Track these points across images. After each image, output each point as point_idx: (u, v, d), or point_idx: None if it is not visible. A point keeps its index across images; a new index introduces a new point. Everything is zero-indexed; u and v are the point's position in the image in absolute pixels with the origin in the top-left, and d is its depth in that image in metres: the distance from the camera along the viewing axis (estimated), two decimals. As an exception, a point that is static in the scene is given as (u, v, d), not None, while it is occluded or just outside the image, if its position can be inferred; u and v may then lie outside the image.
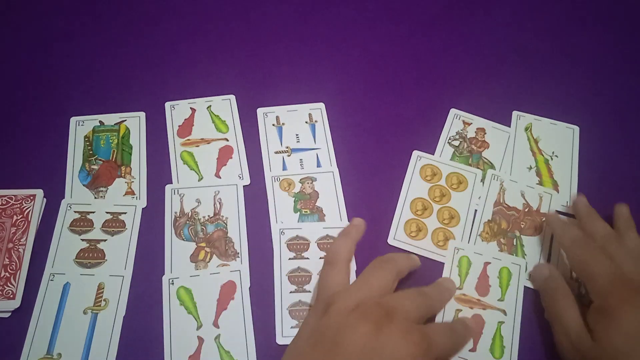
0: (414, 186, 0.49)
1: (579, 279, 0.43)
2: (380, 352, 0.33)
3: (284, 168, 0.50)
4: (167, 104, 0.54)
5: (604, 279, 0.38)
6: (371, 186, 0.50)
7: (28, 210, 0.47)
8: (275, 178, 0.50)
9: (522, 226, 0.48)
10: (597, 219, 0.44)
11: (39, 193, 0.48)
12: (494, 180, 0.50)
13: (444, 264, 0.46)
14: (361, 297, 0.36)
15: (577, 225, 0.45)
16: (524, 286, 0.45)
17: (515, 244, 0.47)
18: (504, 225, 0.48)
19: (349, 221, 0.47)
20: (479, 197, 0.49)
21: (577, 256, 0.41)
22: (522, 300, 0.44)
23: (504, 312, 0.43)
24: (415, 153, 0.51)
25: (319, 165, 0.51)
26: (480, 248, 0.46)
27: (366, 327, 0.34)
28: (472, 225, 0.48)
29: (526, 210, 0.49)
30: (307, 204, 0.48)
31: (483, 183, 0.50)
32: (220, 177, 0.50)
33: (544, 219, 0.48)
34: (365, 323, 0.34)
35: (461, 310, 0.43)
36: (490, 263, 0.45)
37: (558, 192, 0.50)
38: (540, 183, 0.50)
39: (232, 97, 0.54)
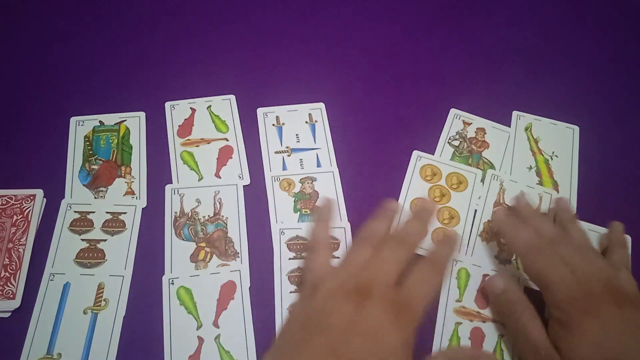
0: (414, 186, 0.49)
1: (538, 288, 0.41)
2: (363, 328, 0.34)
3: (284, 168, 0.50)
4: (167, 104, 0.54)
5: (562, 290, 0.37)
6: (371, 186, 0.50)
7: (28, 210, 0.47)
8: (275, 178, 0.50)
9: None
10: (541, 219, 0.44)
11: (39, 193, 0.48)
12: (494, 180, 0.50)
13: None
14: (344, 277, 0.37)
15: (524, 225, 0.43)
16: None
17: None
18: None
19: (349, 221, 0.47)
20: (479, 197, 0.49)
21: (533, 264, 0.40)
22: None
23: (504, 326, 0.43)
24: (415, 153, 0.51)
25: (319, 165, 0.51)
26: (478, 260, 0.46)
27: (347, 306, 0.34)
28: (472, 226, 0.48)
29: None
30: (307, 204, 0.48)
31: (483, 183, 0.50)
32: (220, 177, 0.50)
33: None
34: (347, 303, 0.35)
35: (461, 323, 0.43)
36: (488, 275, 0.45)
37: (558, 192, 0.50)
38: (540, 183, 0.50)
39: (232, 97, 0.54)
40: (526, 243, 0.41)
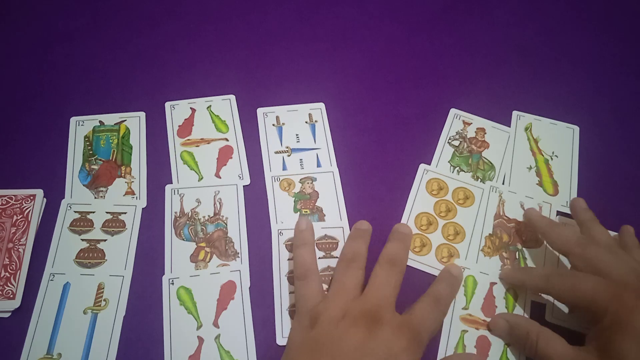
0: (419, 200, 0.49)
1: (574, 306, 0.40)
2: (376, 353, 0.35)
3: (284, 168, 0.50)
4: (167, 104, 0.54)
5: (603, 297, 0.37)
6: (371, 186, 0.50)
7: (28, 210, 0.47)
8: (275, 178, 0.50)
9: (524, 238, 0.47)
10: (562, 228, 0.44)
11: (39, 193, 0.48)
12: (493, 192, 0.50)
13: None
14: (344, 303, 0.38)
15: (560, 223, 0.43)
16: (530, 307, 0.44)
17: (517, 257, 0.46)
18: (505, 239, 0.47)
19: (349, 221, 0.47)
20: (478, 210, 0.48)
21: (585, 252, 0.40)
22: None
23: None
24: (422, 167, 0.50)
25: (319, 165, 0.51)
26: (486, 267, 0.45)
27: (358, 334, 0.35)
28: (481, 235, 0.47)
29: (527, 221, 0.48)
30: (307, 204, 0.48)
31: (483, 191, 0.50)
32: (220, 177, 0.50)
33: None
34: (357, 330, 0.36)
35: (467, 331, 0.42)
36: (496, 283, 0.45)
37: (558, 193, 0.50)
38: (540, 183, 0.50)
39: (232, 97, 0.54)
40: (541, 275, 0.41)
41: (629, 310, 0.35)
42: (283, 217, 0.48)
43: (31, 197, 0.47)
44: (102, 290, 0.44)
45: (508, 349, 0.42)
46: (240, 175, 0.50)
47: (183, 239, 0.46)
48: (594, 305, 0.37)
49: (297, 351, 0.37)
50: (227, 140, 0.52)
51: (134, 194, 0.49)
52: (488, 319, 0.43)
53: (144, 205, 0.48)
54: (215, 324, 0.42)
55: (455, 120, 0.54)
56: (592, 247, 0.40)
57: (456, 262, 0.46)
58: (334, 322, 0.37)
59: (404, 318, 0.37)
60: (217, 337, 0.42)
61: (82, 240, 0.46)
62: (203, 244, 0.46)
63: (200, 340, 0.42)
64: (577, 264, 0.40)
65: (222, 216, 0.47)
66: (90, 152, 0.51)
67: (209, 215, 0.47)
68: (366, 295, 0.38)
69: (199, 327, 0.42)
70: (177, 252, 0.46)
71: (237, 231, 0.47)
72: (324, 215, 0.48)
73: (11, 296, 0.43)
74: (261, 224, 0.47)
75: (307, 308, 0.39)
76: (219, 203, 0.48)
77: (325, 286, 0.43)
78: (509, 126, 0.54)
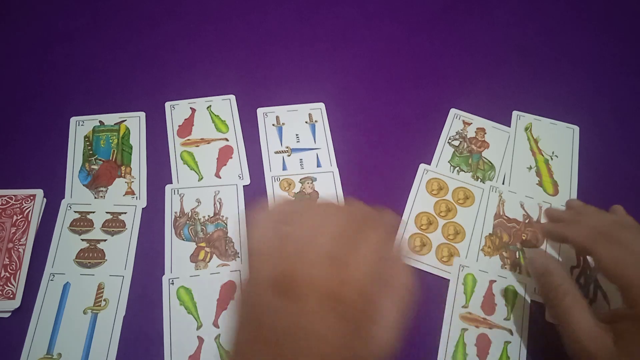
0: (419, 200, 0.49)
1: (610, 278, 0.37)
2: (303, 325, 0.30)
3: (284, 168, 0.50)
4: (167, 104, 0.54)
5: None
6: (371, 186, 0.50)
7: (28, 210, 0.47)
8: (275, 178, 0.50)
9: (524, 238, 0.47)
10: (588, 213, 0.42)
11: (39, 193, 0.48)
12: (493, 192, 0.50)
13: (447, 280, 0.45)
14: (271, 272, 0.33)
15: (576, 222, 0.41)
16: (530, 305, 0.44)
17: (517, 256, 0.46)
18: (505, 238, 0.47)
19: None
20: (478, 210, 0.49)
21: (609, 252, 0.36)
22: (528, 319, 0.43)
23: (510, 332, 0.42)
24: (422, 167, 0.50)
25: (319, 165, 0.51)
26: (485, 265, 0.46)
27: (288, 306, 0.31)
28: (481, 234, 0.47)
29: (526, 221, 0.48)
30: (307, 204, 0.48)
31: (483, 191, 0.50)
32: (220, 177, 0.50)
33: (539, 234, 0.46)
34: (282, 300, 0.31)
35: (467, 329, 0.43)
36: (495, 281, 0.45)
37: (558, 192, 0.50)
38: (540, 183, 0.50)
39: (232, 97, 0.54)
40: (589, 234, 0.38)
41: None
42: (283, 217, 0.48)
43: (31, 197, 0.47)
44: (102, 290, 0.44)
45: (508, 346, 0.42)
46: (240, 175, 0.50)
47: (183, 239, 0.46)
48: (634, 290, 0.35)
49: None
50: (227, 140, 0.52)
51: (134, 194, 0.48)
52: (488, 317, 0.43)
53: (144, 205, 0.48)
54: (215, 324, 0.42)
55: (455, 120, 0.54)
56: (622, 231, 0.38)
57: (457, 260, 0.46)
58: (263, 290, 0.32)
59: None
60: (217, 337, 0.42)
61: (82, 240, 0.46)
62: (203, 244, 0.46)
63: (200, 340, 0.42)
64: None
65: (222, 216, 0.47)
66: (90, 152, 0.51)
67: (209, 215, 0.47)
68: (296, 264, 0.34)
69: (199, 327, 0.42)
70: (177, 252, 0.46)
71: (237, 231, 0.47)
72: (324, 215, 0.48)
73: (11, 296, 0.43)
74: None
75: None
76: (219, 203, 0.48)
77: None
78: (509, 126, 0.54)
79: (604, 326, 0.36)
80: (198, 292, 0.44)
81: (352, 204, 0.34)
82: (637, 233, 0.38)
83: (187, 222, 0.47)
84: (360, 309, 0.28)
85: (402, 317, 0.30)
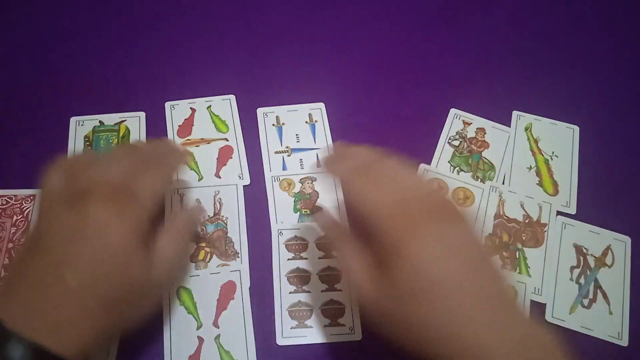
0: None
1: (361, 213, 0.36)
2: (86, 232, 0.33)
3: (284, 168, 0.50)
4: (167, 104, 0.54)
5: (382, 210, 0.34)
6: (371, 186, 0.50)
7: (28, 210, 0.47)
8: (275, 178, 0.50)
9: (524, 238, 0.47)
10: (355, 150, 0.40)
11: (39, 193, 0.48)
12: (493, 192, 0.50)
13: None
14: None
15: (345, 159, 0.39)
16: (530, 305, 0.44)
17: (517, 256, 0.46)
18: (505, 238, 0.47)
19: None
20: (478, 210, 0.49)
21: (352, 185, 0.36)
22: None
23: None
24: (422, 167, 0.50)
25: (319, 165, 0.51)
26: None
27: (68, 216, 0.34)
28: (482, 231, 0.47)
29: (526, 221, 0.48)
30: (307, 204, 0.48)
31: (483, 191, 0.50)
32: (220, 177, 0.50)
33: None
34: (66, 211, 0.34)
35: None
36: None
37: (558, 192, 0.50)
38: (540, 183, 0.50)
39: (232, 97, 0.54)
40: (345, 170, 0.37)
41: (400, 233, 0.32)
42: (283, 217, 0.48)
43: (31, 197, 0.47)
44: (102, 290, 0.43)
45: None
46: (240, 175, 0.50)
47: (183, 239, 0.46)
48: (371, 217, 0.34)
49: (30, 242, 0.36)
50: (227, 140, 0.52)
51: (134, 194, 0.48)
52: None
53: (144, 205, 0.48)
54: (215, 324, 0.42)
55: (455, 120, 0.54)
56: (380, 164, 0.37)
57: None
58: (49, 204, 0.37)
59: (118, 187, 0.36)
60: (217, 337, 0.42)
61: (82, 240, 0.46)
62: (203, 244, 0.46)
63: (200, 340, 0.42)
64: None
65: (222, 216, 0.47)
66: (90, 152, 0.51)
67: (209, 215, 0.47)
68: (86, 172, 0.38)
69: (199, 327, 0.42)
70: (177, 252, 0.45)
71: (237, 231, 0.47)
72: (324, 215, 0.48)
73: (11, 296, 0.43)
74: (261, 224, 0.47)
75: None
76: (219, 203, 0.48)
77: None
78: (509, 126, 0.54)
79: (376, 273, 0.34)
80: (198, 292, 0.44)
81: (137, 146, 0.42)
82: (392, 168, 0.37)
83: (187, 222, 0.47)
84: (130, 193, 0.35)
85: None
